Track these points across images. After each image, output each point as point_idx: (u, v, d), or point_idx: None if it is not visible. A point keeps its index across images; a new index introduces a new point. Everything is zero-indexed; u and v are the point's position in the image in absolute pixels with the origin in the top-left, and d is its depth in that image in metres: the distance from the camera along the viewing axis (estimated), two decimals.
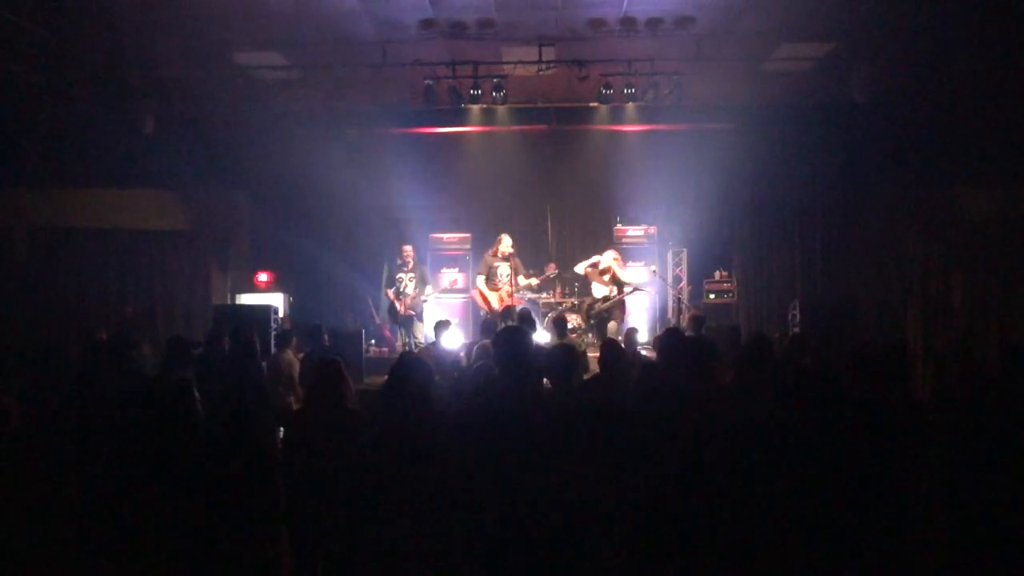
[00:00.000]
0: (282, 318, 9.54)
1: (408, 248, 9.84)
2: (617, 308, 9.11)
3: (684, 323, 9.43)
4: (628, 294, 9.16)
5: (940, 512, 3.24)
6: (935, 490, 3.27)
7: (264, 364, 7.08)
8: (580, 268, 9.38)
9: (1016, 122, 8.99)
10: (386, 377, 3.21)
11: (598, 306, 9.10)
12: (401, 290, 9.61)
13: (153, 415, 3.14)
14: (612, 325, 8.98)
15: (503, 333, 3.16)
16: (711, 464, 2.88)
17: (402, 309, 9.58)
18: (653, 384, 3.55)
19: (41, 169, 9.81)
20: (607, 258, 9.19)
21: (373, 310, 10.64)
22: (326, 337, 7.71)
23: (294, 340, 7.62)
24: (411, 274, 9.67)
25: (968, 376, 4.00)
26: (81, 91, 8.88)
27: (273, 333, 8.09)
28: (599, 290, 9.20)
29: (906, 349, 4.30)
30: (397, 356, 3.86)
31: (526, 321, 6.64)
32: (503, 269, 9.38)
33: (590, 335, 9.59)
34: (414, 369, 3.17)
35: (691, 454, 2.90)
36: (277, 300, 10.30)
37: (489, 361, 4.43)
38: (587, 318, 9.32)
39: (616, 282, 9.09)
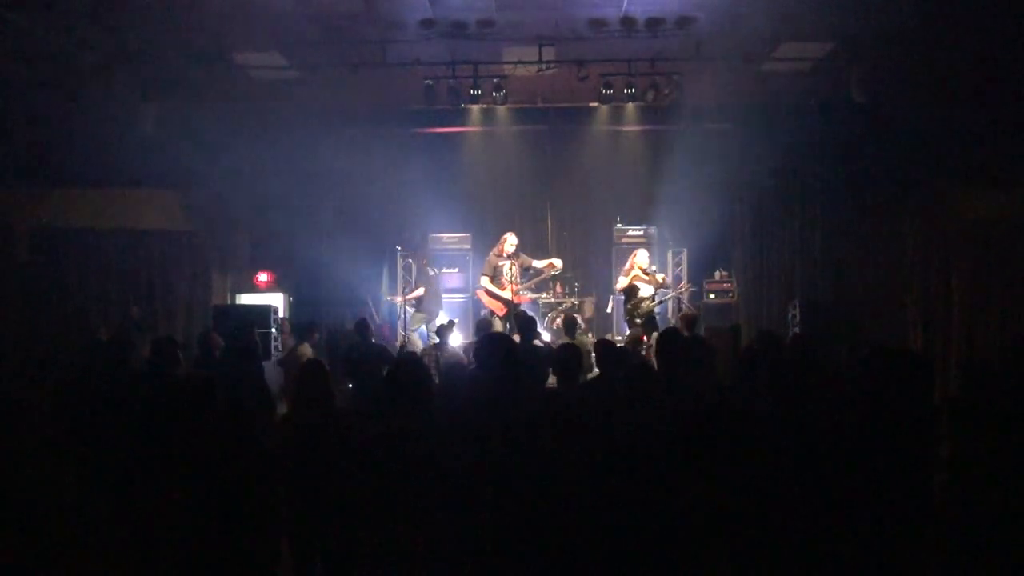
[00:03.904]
0: (282, 319, 9.55)
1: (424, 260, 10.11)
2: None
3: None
4: (673, 296, 9.22)
5: (947, 515, 3.22)
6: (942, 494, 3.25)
7: (272, 362, 7.13)
8: (623, 282, 9.26)
9: (1016, 122, 8.99)
10: (384, 377, 3.22)
11: (645, 304, 9.03)
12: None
13: (171, 414, 3.13)
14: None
15: (482, 342, 3.24)
16: (707, 463, 2.88)
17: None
18: (645, 384, 3.56)
19: (41, 169, 9.81)
20: (642, 259, 9.26)
21: (373, 310, 10.64)
22: (316, 336, 7.72)
23: (316, 335, 7.60)
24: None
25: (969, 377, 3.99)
26: (81, 91, 8.87)
27: (291, 325, 8.08)
28: (646, 289, 9.15)
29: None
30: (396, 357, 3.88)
31: (525, 323, 6.63)
32: (507, 268, 9.39)
33: (590, 335, 9.59)
34: (412, 370, 3.18)
35: (685, 453, 2.90)
36: (277, 300, 10.30)
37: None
38: (633, 318, 9.13)
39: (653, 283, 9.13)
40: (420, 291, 9.87)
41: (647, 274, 9.18)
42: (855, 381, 3.44)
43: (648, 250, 9.73)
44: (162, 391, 3.31)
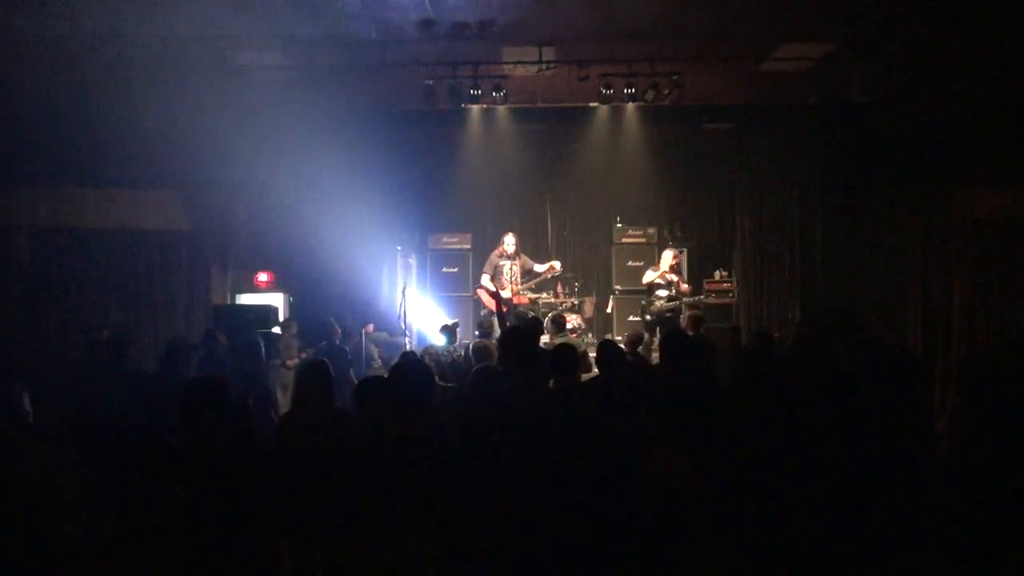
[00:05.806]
0: (286, 318, 9.55)
1: None
2: (679, 311, 9.11)
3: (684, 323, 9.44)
4: (693, 300, 9.24)
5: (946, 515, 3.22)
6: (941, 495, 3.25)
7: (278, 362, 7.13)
8: (650, 276, 9.39)
9: (1016, 122, 8.98)
10: (387, 375, 3.22)
11: (658, 304, 9.07)
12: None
13: (181, 414, 3.12)
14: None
15: (508, 334, 3.22)
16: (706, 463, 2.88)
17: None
18: (642, 383, 3.57)
19: (41, 169, 9.80)
20: (665, 260, 9.35)
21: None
22: (339, 331, 7.72)
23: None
24: None
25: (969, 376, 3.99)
26: (82, 91, 8.87)
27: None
28: (662, 290, 9.21)
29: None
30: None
31: (530, 325, 6.62)
32: (508, 267, 9.42)
33: (590, 335, 9.59)
34: (415, 370, 3.18)
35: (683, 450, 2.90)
36: (277, 300, 10.30)
37: (490, 363, 4.44)
38: (644, 315, 9.32)
39: (674, 285, 9.17)
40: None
41: (670, 274, 9.25)
42: (851, 379, 3.45)
43: (656, 250, 9.77)
44: (174, 391, 3.30)
